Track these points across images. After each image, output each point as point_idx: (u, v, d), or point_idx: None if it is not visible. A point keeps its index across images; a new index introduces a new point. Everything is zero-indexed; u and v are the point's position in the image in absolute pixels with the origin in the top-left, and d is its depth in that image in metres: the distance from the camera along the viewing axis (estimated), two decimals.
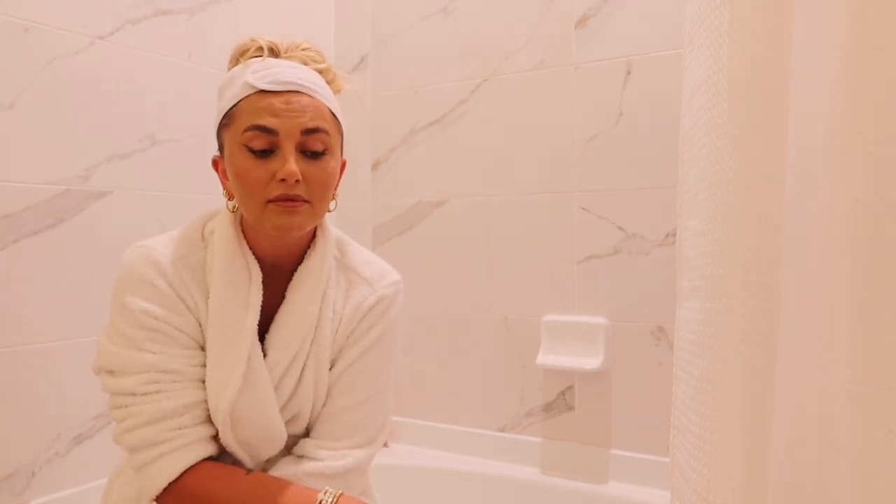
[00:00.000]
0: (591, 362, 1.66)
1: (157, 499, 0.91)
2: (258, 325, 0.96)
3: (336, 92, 0.99)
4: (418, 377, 1.96)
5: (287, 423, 1.00)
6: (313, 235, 1.02)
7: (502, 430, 1.84)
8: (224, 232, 0.96)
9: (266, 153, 0.90)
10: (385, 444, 1.84)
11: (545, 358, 1.73)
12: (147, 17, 1.57)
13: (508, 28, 1.83)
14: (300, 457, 0.99)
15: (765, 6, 0.66)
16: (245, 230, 0.98)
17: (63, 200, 1.41)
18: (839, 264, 0.56)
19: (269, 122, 0.89)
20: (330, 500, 0.90)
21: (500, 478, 1.74)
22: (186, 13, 1.65)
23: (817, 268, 0.58)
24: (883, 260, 0.54)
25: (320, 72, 0.97)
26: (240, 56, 0.97)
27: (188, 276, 0.95)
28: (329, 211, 0.98)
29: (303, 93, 0.91)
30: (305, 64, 0.97)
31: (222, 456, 0.97)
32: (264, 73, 0.91)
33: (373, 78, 2.06)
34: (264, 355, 0.97)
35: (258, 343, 0.96)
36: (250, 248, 0.98)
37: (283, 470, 0.97)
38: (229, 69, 0.98)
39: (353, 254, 1.07)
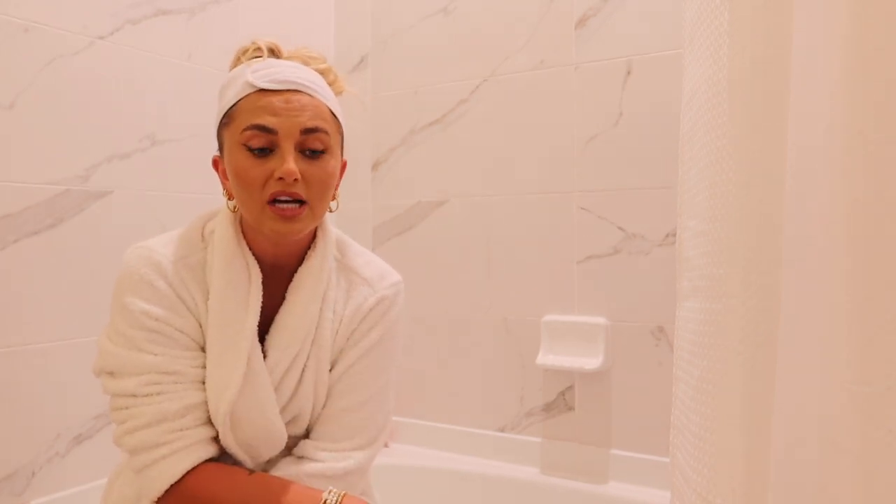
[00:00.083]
0: (591, 362, 1.66)
1: (159, 501, 0.91)
2: (258, 325, 0.96)
3: (337, 94, 0.99)
4: (418, 377, 1.96)
5: (287, 424, 1.00)
6: (314, 236, 1.02)
7: (502, 430, 1.84)
8: (224, 232, 0.96)
9: (265, 152, 0.90)
10: (385, 445, 1.84)
11: (545, 358, 1.73)
12: (147, 17, 1.57)
13: (508, 28, 1.83)
14: (301, 458, 0.99)
15: (765, 6, 0.66)
16: (245, 230, 0.98)
17: (63, 200, 1.41)
18: (839, 264, 0.56)
19: (268, 121, 0.89)
20: (334, 499, 0.90)
21: (500, 478, 1.74)
22: (186, 13, 1.65)
23: (817, 268, 0.58)
24: (883, 260, 0.54)
25: (321, 72, 0.97)
26: (241, 56, 0.97)
27: (188, 277, 0.95)
28: (331, 211, 0.98)
29: (303, 92, 0.91)
30: (306, 64, 0.97)
31: (223, 457, 0.97)
32: (265, 73, 0.91)
33: (373, 78, 2.06)
34: (264, 356, 0.97)
35: (258, 344, 0.96)
36: (250, 249, 0.98)
37: (283, 471, 0.97)
38: (231, 70, 0.98)
39: (353, 254, 1.07)
